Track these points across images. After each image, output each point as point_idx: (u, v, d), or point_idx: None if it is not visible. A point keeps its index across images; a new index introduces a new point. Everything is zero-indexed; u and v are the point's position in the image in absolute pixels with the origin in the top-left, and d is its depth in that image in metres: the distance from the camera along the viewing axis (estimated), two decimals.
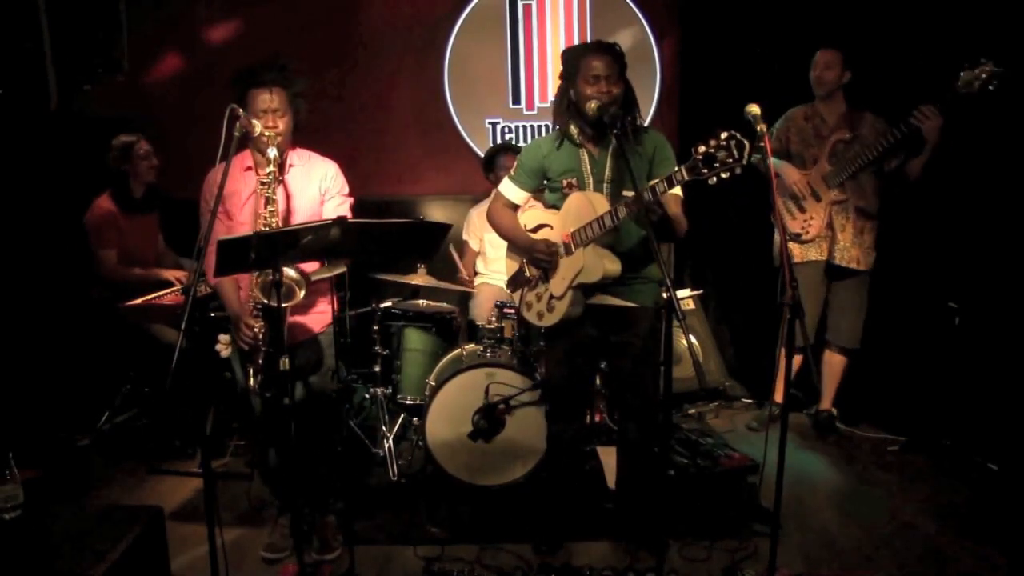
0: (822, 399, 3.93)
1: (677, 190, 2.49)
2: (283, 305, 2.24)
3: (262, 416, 2.73)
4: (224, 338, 2.61)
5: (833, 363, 3.86)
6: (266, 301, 2.41)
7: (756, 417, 4.10)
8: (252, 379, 2.55)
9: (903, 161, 3.52)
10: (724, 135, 2.12)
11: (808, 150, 3.70)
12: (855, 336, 3.77)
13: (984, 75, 3.13)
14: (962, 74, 3.18)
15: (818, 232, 3.67)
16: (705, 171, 2.16)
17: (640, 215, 2.29)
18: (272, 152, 2.44)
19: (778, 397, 3.94)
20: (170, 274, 3.80)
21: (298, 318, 2.68)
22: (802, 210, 3.70)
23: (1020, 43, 3.31)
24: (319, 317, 2.75)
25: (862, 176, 3.59)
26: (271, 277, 2.20)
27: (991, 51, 3.17)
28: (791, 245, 3.73)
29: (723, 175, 2.14)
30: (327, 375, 2.77)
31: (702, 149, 2.15)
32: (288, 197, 2.61)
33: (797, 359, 3.76)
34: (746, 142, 2.11)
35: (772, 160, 3.70)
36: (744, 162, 2.12)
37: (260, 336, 2.48)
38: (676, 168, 2.26)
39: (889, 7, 3.87)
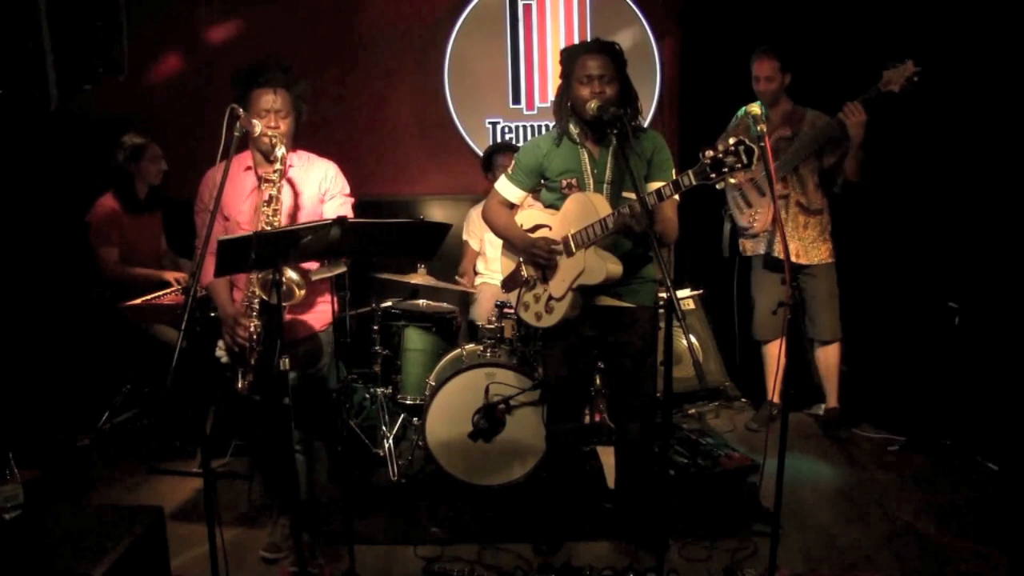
0: (827, 398, 3.92)
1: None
2: (283, 304, 2.23)
3: (255, 420, 2.72)
4: (224, 343, 2.61)
5: (824, 358, 3.85)
6: (266, 298, 2.41)
7: (756, 417, 4.10)
8: (242, 381, 2.53)
9: (840, 159, 3.56)
10: (732, 140, 2.12)
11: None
12: (833, 328, 3.77)
13: (907, 74, 3.21)
14: (884, 73, 3.26)
15: (764, 226, 3.73)
16: (713, 176, 2.16)
17: (625, 222, 2.29)
18: (280, 151, 2.44)
19: (773, 396, 3.95)
20: (170, 275, 3.80)
21: (299, 315, 2.68)
22: (749, 204, 3.78)
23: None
24: (319, 315, 2.75)
25: (803, 172, 3.63)
26: (272, 276, 2.20)
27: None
28: (742, 239, 3.84)
29: (731, 180, 2.14)
30: (323, 370, 2.78)
31: (710, 154, 2.15)
32: (296, 194, 2.62)
33: (773, 347, 3.88)
34: (755, 147, 2.11)
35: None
36: (752, 167, 2.12)
37: (255, 336, 2.48)
38: (684, 172, 2.26)
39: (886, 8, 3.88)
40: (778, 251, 3.71)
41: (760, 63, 3.64)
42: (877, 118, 3.40)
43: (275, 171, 2.46)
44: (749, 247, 3.85)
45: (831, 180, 3.65)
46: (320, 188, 2.67)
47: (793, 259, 3.66)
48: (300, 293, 2.42)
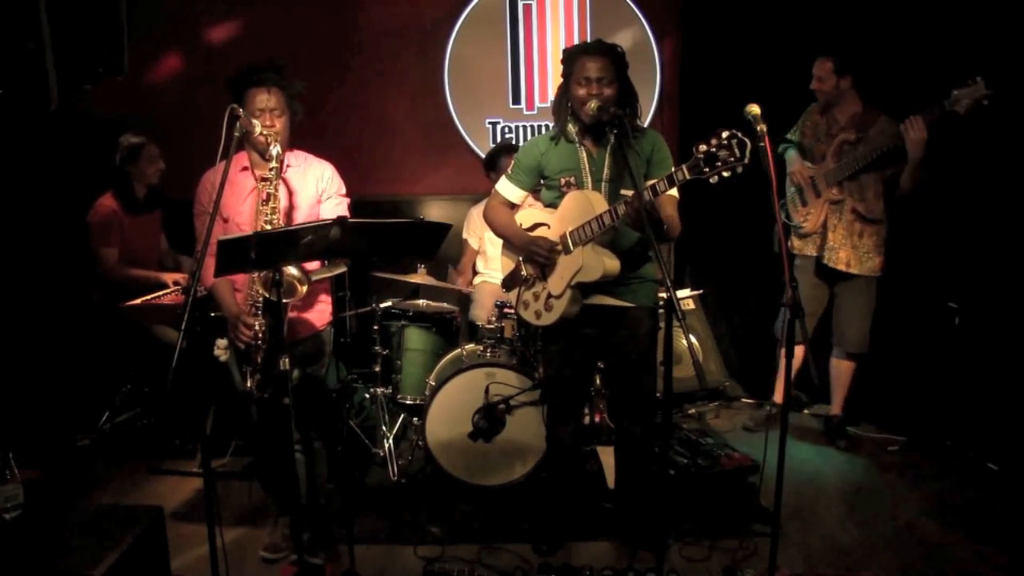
0: (832, 405, 3.89)
1: (674, 191, 2.50)
2: (284, 301, 2.24)
3: (259, 421, 2.72)
4: (222, 342, 2.60)
5: (840, 369, 3.80)
6: (268, 295, 2.41)
7: (752, 417, 4.10)
8: (250, 380, 2.54)
9: (899, 171, 3.47)
10: (726, 134, 2.13)
11: (818, 146, 3.69)
12: (861, 342, 3.70)
13: (976, 95, 3.13)
14: (954, 92, 3.19)
15: (814, 227, 3.66)
16: (707, 170, 2.16)
17: (637, 218, 2.29)
18: (275, 149, 2.44)
19: (777, 397, 3.93)
20: (169, 277, 3.79)
21: (300, 314, 2.68)
22: (804, 203, 3.70)
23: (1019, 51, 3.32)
24: (320, 314, 2.76)
25: (864, 179, 3.55)
26: (272, 274, 2.20)
27: (990, 59, 3.17)
28: (793, 236, 3.75)
29: (724, 174, 2.15)
30: (323, 370, 2.78)
31: (703, 148, 2.16)
32: (290, 193, 2.62)
33: (799, 354, 3.80)
34: (747, 141, 2.11)
35: (790, 151, 3.70)
36: (746, 161, 2.12)
37: (260, 334, 2.48)
38: (678, 167, 2.26)
39: (891, 8, 3.88)
40: (833, 261, 3.61)
41: (818, 63, 3.60)
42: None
43: (271, 169, 2.46)
44: (798, 245, 3.73)
45: (894, 189, 3.55)
46: (317, 188, 2.67)
47: (843, 267, 3.60)
48: (302, 289, 2.42)
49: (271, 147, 2.44)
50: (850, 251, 3.62)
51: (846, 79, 3.56)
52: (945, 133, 3.32)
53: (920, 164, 3.33)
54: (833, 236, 3.63)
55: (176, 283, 3.74)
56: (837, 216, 3.62)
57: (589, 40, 2.79)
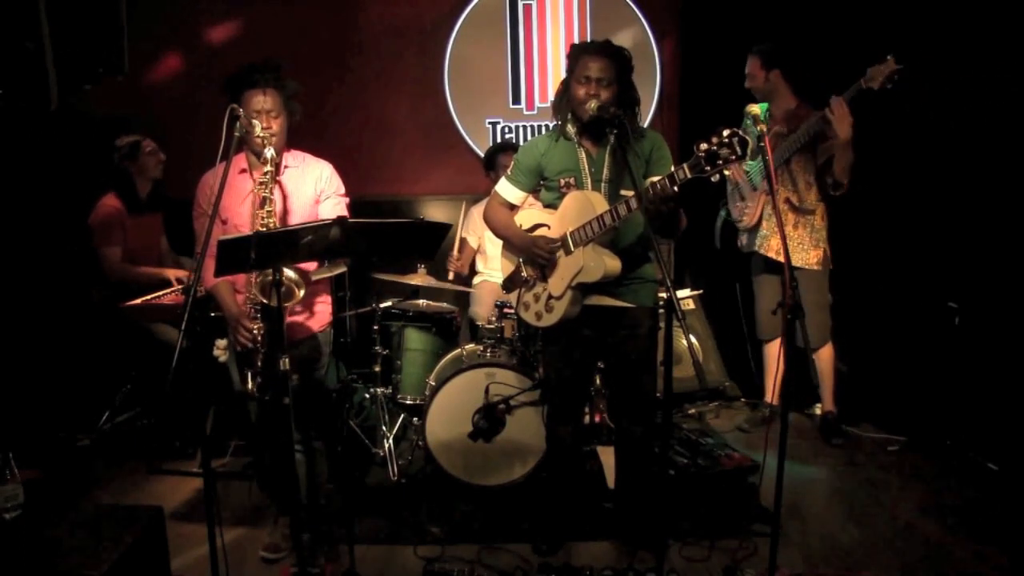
0: (823, 402, 3.90)
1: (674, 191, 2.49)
2: (282, 305, 2.23)
3: (259, 421, 2.72)
4: (221, 342, 2.60)
5: (817, 362, 3.80)
6: (265, 301, 2.41)
7: (748, 418, 4.09)
8: (251, 382, 2.53)
9: (831, 157, 3.46)
10: (727, 132, 2.14)
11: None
12: (817, 337, 3.69)
13: (887, 71, 3.17)
14: (868, 70, 3.23)
15: (752, 221, 3.74)
16: (708, 168, 2.17)
17: (654, 204, 2.29)
18: (269, 152, 2.43)
19: (768, 397, 3.93)
20: (173, 273, 3.79)
21: (297, 317, 2.68)
22: (743, 198, 3.80)
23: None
24: (318, 316, 2.75)
25: (796, 168, 3.59)
26: (270, 277, 2.20)
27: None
28: (740, 234, 3.84)
29: (726, 172, 2.16)
30: (322, 371, 2.78)
31: (704, 146, 2.17)
32: (284, 197, 2.61)
33: (773, 346, 3.84)
34: (748, 139, 2.12)
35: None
36: (746, 159, 2.13)
37: (259, 337, 2.48)
38: (679, 166, 2.27)
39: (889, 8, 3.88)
40: (764, 249, 3.68)
41: (748, 61, 3.68)
42: (881, 118, 3.35)
43: (266, 172, 2.45)
44: (744, 242, 3.84)
45: (826, 180, 3.56)
46: (316, 188, 2.67)
47: (774, 255, 3.64)
48: (300, 293, 2.42)
49: (265, 150, 2.43)
50: (780, 240, 3.62)
51: (774, 72, 3.62)
52: (884, 115, 3.33)
53: (849, 147, 3.35)
54: (767, 224, 3.70)
55: (180, 280, 3.74)
56: (771, 205, 3.65)
57: (590, 40, 2.79)
